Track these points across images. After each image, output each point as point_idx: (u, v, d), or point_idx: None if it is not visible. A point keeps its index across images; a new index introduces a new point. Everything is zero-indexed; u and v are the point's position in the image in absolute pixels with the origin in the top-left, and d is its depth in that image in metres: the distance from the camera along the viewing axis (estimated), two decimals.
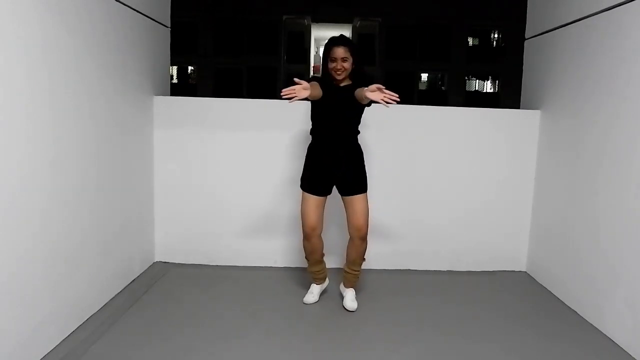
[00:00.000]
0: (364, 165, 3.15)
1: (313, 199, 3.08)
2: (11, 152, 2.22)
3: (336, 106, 3.02)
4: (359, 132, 3.14)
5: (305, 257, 3.28)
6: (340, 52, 2.94)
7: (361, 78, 3.05)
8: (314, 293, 3.35)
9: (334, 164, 3.06)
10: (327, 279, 3.43)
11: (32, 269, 2.40)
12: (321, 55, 3.21)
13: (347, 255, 3.25)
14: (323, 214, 3.14)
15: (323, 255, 3.28)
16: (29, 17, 2.30)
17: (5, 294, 2.21)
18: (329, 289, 3.49)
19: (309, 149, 3.15)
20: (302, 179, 3.14)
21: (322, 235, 3.18)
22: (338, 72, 2.96)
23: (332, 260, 3.61)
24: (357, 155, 3.13)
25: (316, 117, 3.10)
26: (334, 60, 2.95)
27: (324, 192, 3.11)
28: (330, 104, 2.99)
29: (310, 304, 3.31)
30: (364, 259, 3.25)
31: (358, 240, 3.14)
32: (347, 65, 2.97)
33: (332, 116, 3.05)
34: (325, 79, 3.03)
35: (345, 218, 3.15)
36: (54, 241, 2.57)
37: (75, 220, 2.76)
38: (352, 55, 2.97)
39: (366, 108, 3.05)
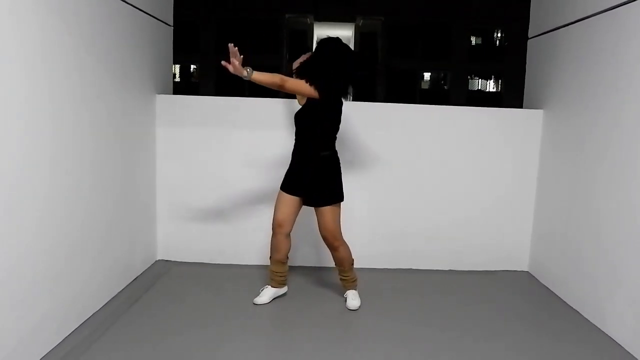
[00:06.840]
0: (334, 178, 3.09)
1: (284, 197, 3.13)
2: (11, 150, 2.21)
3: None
4: (332, 140, 3.10)
5: (270, 256, 3.25)
6: None
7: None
8: (265, 296, 3.24)
9: (301, 174, 3.09)
10: (285, 287, 3.33)
11: (32, 267, 2.39)
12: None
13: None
14: (294, 215, 3.15)
15: (287, 258, 3.25)
16: (28, 16, 2.29)
17: (5, 292, 2.21)
18: (327, 288, 3.50)
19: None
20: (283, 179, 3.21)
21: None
22: None
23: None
24: (324, 168, 3.07)
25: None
26: None
27: (294, 193, 3.12)
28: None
29: (260, 305, 3.21)
30: (352, 264, 3.25)
31: (329, 248, 3.20)
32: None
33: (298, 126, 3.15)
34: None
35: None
36: (55, 239, 2.57)
37: (76, 218, 2.76)
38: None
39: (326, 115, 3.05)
